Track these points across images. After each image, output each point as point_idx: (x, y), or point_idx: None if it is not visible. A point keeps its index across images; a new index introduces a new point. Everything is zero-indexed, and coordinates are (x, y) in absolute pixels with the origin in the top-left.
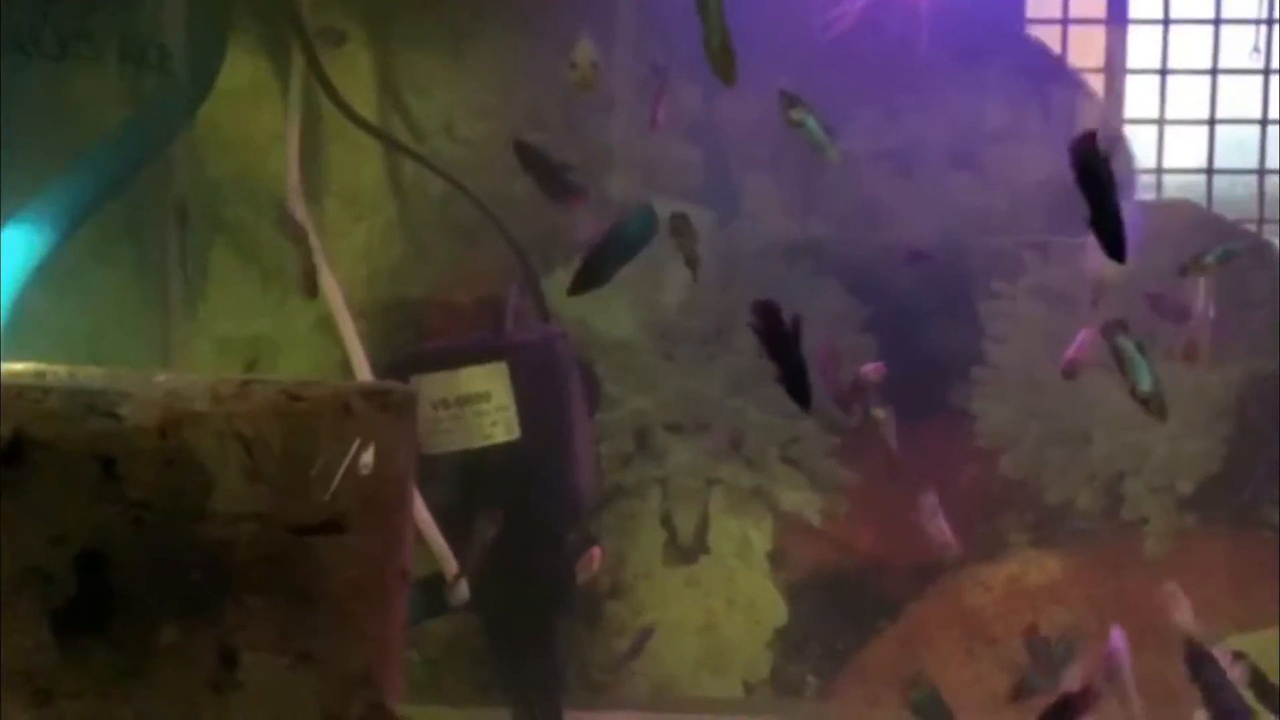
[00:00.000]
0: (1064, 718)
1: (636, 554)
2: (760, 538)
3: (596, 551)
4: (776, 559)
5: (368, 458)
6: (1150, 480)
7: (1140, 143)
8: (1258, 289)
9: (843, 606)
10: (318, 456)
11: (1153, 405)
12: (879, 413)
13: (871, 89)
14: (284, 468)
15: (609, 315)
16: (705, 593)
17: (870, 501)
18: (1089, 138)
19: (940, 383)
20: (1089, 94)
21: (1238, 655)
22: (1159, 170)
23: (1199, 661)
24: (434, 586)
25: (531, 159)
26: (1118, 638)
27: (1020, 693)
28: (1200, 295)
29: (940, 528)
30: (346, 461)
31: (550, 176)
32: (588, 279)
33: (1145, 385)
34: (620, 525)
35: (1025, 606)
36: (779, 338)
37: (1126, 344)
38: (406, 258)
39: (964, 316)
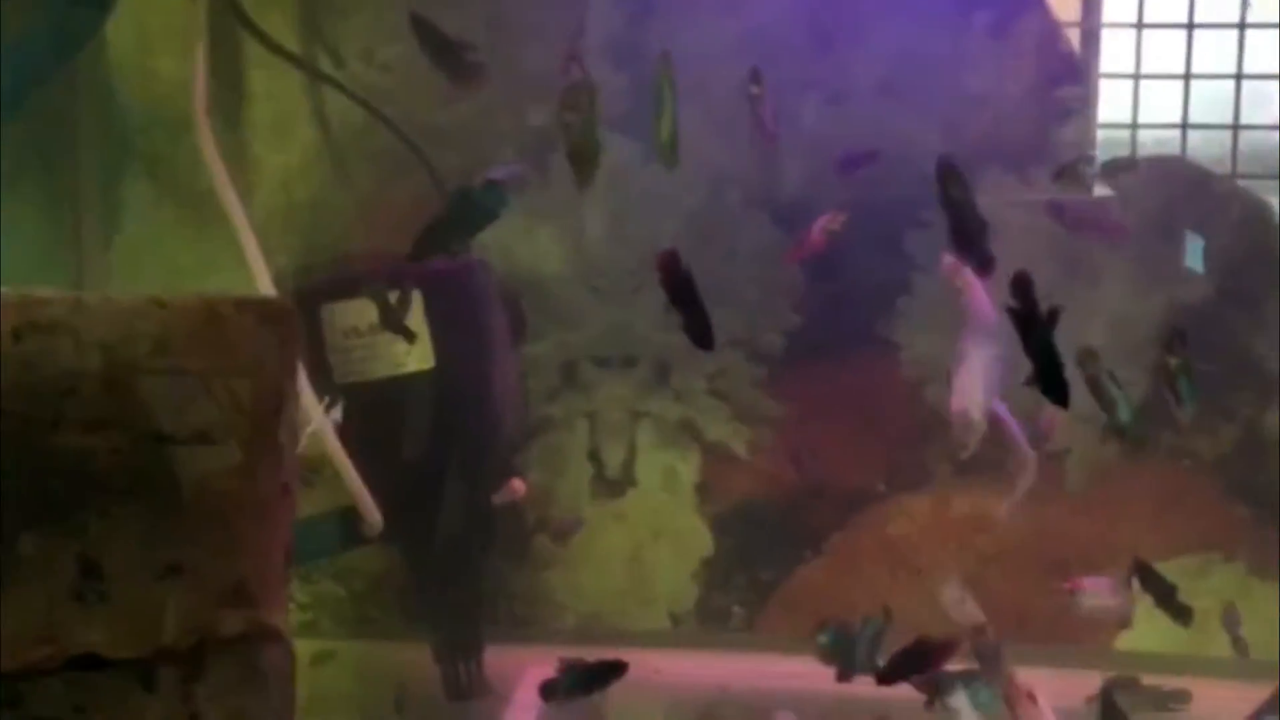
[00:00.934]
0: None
1: (564, 488)
2: (687, 470)
3: (517, 483)
4: (703, 491)
5: (336, 413)
6: (1073, 410)
7: (1117, 98)
8: (1184, 219)
9: (768, 537)
10: (186, 364)
11: (1129, 435)
12: None
13: (800, 14)
14: (148, 375)
15: (534, 246)
16: (632, 525)
17: (796, 431)
18: (1024, 279)
19: (867, 314)
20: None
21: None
22: (1134, 126)
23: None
24: (349, 518)
25: (428, 35)
26: None
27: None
28: (1113, 210)
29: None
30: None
31: (447, 55)
32: (428, 246)
33: (1124, 416)
34: (547, 459)
35: (949, 536)
36: (680, 285)
37: (1102, 377)
38: (327, 187)
39: (891, 247)
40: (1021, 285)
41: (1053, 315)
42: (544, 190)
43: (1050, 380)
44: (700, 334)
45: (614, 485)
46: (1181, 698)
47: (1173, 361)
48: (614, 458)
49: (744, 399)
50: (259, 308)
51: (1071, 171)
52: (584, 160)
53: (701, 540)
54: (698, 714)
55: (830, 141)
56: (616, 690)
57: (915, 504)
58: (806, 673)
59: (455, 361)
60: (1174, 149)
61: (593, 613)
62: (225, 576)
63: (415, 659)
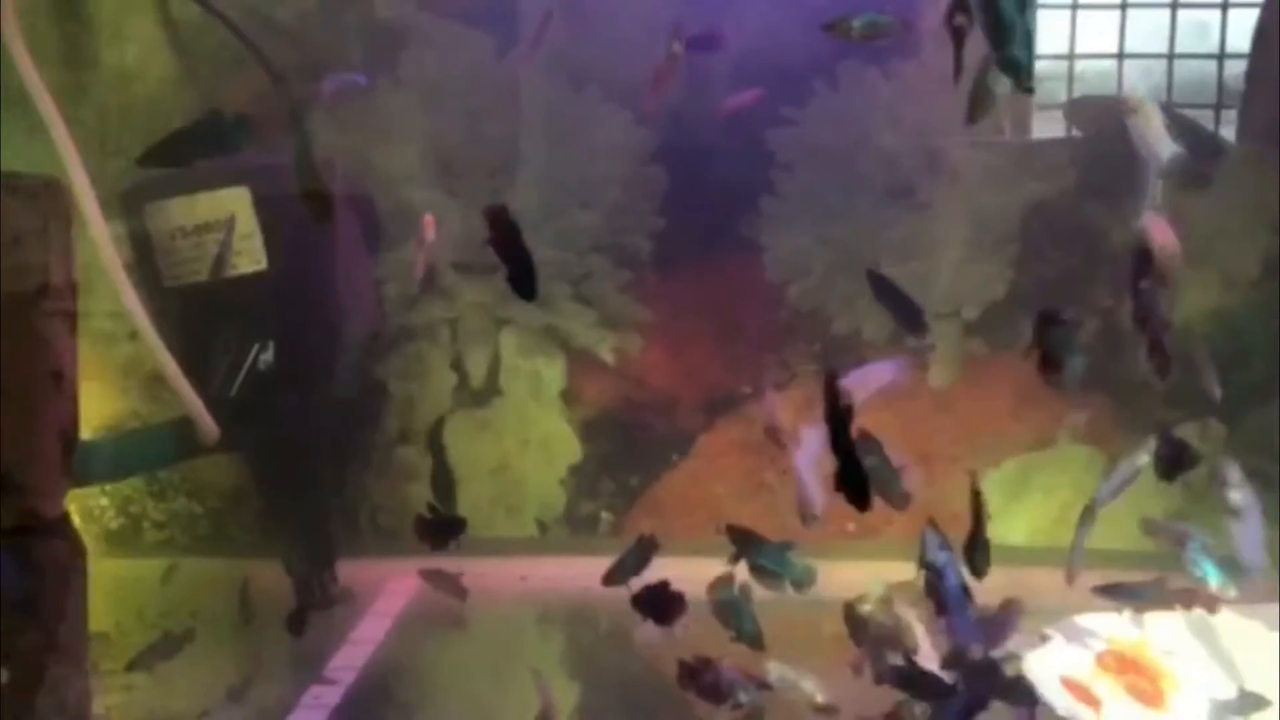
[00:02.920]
0: None
1: (427, 398)
2: (553, 377)
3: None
4: (570, 398)
5: (268, 356)
6: (936, 307)
7: (1054, 31)
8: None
9: (635, 442)
10: None
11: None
12: None
13: None
14: None
15: (386, 147)
16: (498, 434)
17: (662, 336)
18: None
19: (729, 214)
20: None
21: None
22: (1070, 56)
23: None
24: (183, 428)
25: None
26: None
27: None
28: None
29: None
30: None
31: None
32: (161, 158)
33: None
34: (409, 369)
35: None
36: (508, 238)
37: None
38: (167, 85)
39: (753, 146)
40: (493, 216)
41: (849, 410)
42: (395, 91)
43: (522, 283)
44: (523, 283)
45: (478, 394)
46: None
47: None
48: (477, 366)
49: (609, 304)
50: (27, 185)
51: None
52: None
53: (569, 447)
54: (566, 619)
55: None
56: (482, 597)
57: (781, 404)
58: (675, 576)
59: (293, 263)
60: (1112, 79)
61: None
62: None
63: (271, 573)
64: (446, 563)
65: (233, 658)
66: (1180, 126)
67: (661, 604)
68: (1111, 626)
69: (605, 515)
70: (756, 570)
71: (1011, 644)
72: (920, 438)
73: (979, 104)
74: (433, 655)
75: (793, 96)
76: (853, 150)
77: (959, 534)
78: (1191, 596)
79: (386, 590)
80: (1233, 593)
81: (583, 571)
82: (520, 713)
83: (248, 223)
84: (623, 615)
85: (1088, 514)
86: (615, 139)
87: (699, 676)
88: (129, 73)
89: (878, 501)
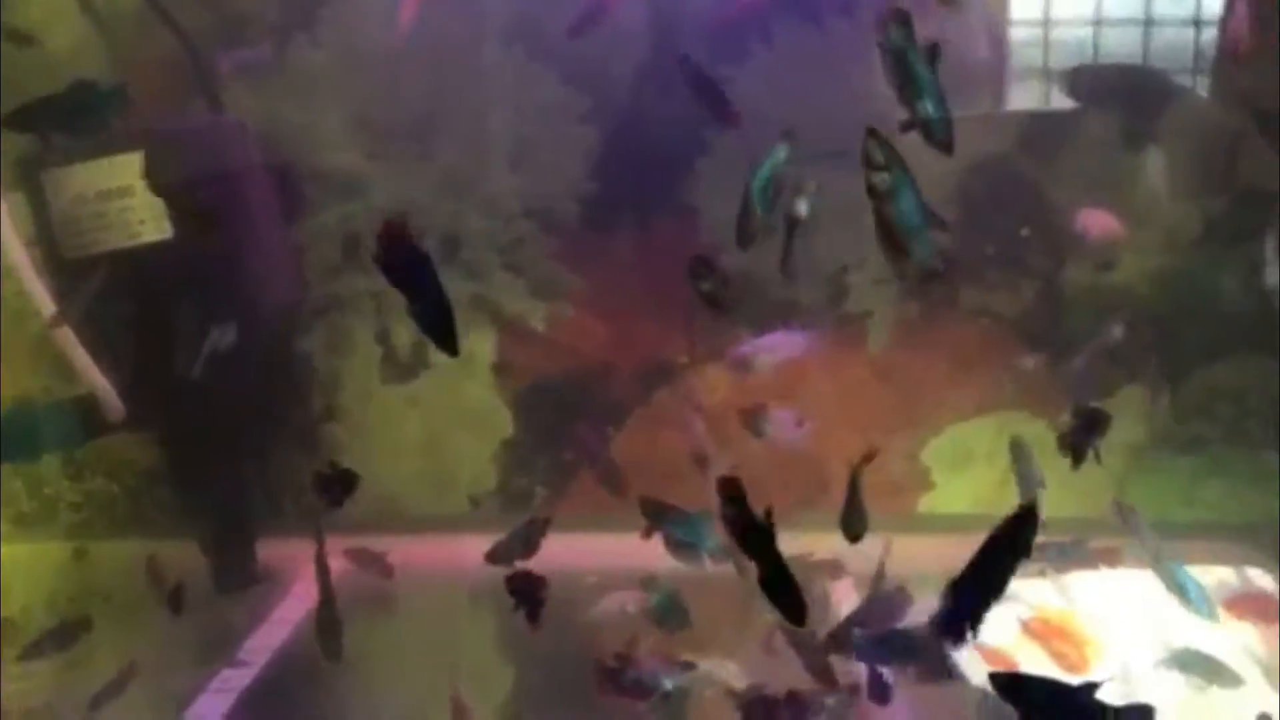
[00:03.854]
0: None
1: (352, 373)
2: (483, 349)
3: None
4: (501, 370)
5: (230, 334)
6: (873, 272)
7: None
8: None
9: (570, 414)
10: None
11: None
12: None
13: None
14: None
15: (304, 108)
16: (427, 409)
17: (596, 304)
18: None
19: (664, 177)
20: None
21: None
22: (1045, 23)
23: None
24: (87, 406)
25: None
26: None
27: None
28: None
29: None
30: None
31: None
32: (23, 123)
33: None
34: (332, 342)
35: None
36: (411, 264)
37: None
38: (74, 47)
39: (686, 105)
40: (731, 492)
41: (768, 515)
42: (314, 50)
43: (776, 585)
44: (439, 331)
45: (405, 368)
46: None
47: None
48: (404, 338)
49: (540, 272)
50: None
51: None
52: None
53: (501, 421)
54: (498, 597)
55: None
56: (415, 575)
57: (717, 374)
58: (612, 550)
59: (203, 231)
60: (1088, 46)
61: (389, 499)
62: None
63: (190, 554)
64: (374, 541)
65: (144, 642)
66: (1129, 77)
67: (526, 590)
68: (1040, 594)
69: (540, 490)
70: (671, 543)
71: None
72: (859, 406)
73: None
74: (355, 636)
75: (728, 54)
76: (790, 111)
77: (900, 502)
78: (1114, 556)
79: (310, 570)
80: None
81: None
82: (443, 694)
83: (143, 187)
84: (557, 591)
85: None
86: (544, 98)
87: (619, 677)
88: (31, 35)
89: (813, 473)
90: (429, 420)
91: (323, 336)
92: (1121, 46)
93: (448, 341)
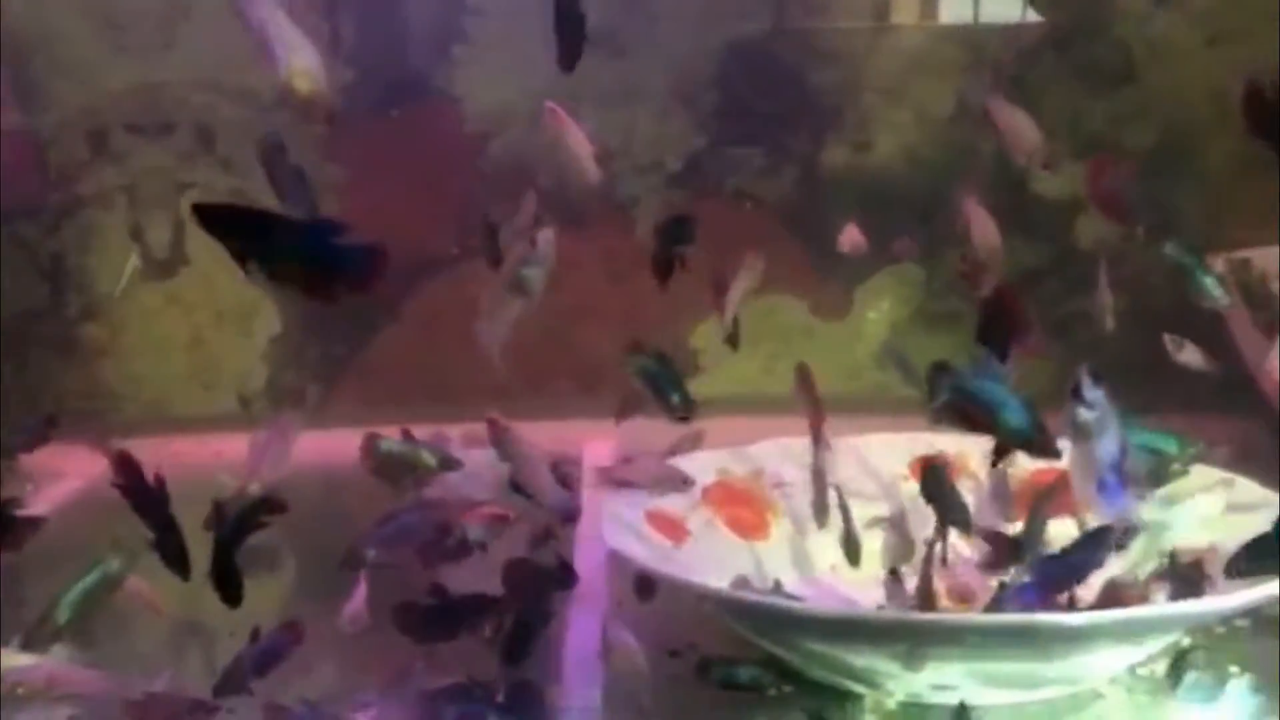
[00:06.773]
0: None
1: (107, 271)
2: None
3: None
4: None
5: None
6: (638, 159)
7: None
8: None
9: (340, 309)
10: None
11: None
12: None
13: None
14: None
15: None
16: (189, 307)
17: (359, 197)
18: None
19: (421, 63)
20: None
21: None
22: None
23: None
24: None
25: None
26: None
27: None
28: None
29: None
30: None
31: None
32: None
33: None
34: (84, 242)
35: None
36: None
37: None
38: None
39: None
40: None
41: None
42: None
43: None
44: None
45: (163, 265)
46: None
47: None
48: (159, 235)
49: (301, 163)
50: None
51: None
52: None
53: (268, 317)
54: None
55: None
56: (175, 479)
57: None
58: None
59: None
60: None
61: (154, 401)
62: None
63: None
64: (142, 444)
65: None
66: None
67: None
68: (728, 461)
69: (313, 387)
70: None
71: None
72: (626, 295)
73: None
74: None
75: None
76: None
77: None
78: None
79: (66, 475)
80: None
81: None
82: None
83: None
84: (337, 488)
85: None
86: None
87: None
88: None
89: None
90: (191, 318)
91: (72, 235)
92: None
93: None
